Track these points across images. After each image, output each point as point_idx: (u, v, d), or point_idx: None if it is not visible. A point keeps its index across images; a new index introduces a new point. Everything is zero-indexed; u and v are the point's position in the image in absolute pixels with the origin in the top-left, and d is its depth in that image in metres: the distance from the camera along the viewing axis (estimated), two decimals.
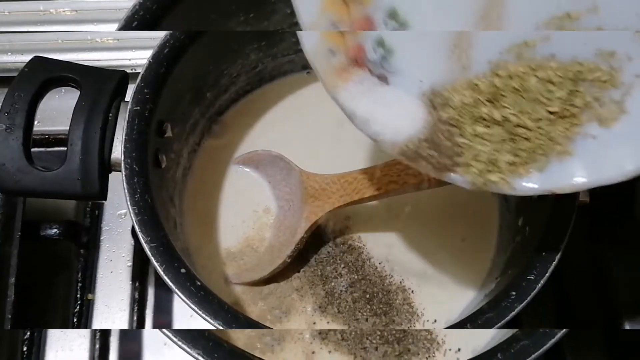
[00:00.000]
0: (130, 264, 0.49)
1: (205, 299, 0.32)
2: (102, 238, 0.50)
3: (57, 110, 0.51)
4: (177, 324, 0.49)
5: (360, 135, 0.50)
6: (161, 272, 0.33)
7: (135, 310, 0.48)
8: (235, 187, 0.48)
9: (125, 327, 0.47)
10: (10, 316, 0.43)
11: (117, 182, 0.51)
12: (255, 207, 0.47)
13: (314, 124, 0.50)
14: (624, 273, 0.48)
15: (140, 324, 0.48)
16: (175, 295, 0.49)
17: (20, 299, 0.45)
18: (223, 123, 0.50)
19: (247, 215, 0.47)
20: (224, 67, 0.47)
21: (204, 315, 0.32)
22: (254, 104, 0.51)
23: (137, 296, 0.48)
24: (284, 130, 0.50)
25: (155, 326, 0.48)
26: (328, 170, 0.45)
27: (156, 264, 0.33)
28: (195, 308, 0.32)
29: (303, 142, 0.49)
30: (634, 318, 0.47)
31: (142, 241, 0.34)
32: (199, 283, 0.33)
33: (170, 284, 0.33)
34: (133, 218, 0.34)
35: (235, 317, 0.32)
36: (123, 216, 0.51)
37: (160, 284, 0.50)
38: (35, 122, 0.53)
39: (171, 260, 0.33)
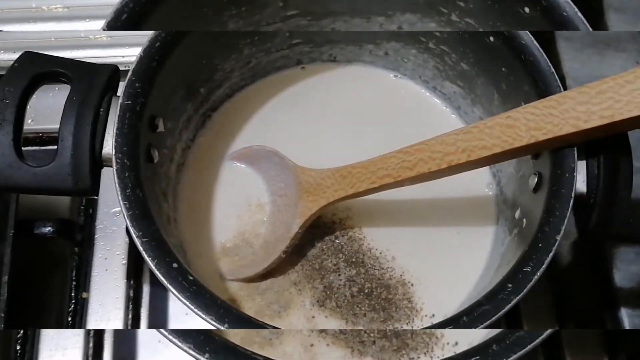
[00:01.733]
0: (125, 262, 0.48)
1: (197, 294, 0.32)
2: (96, 236, 0.50)
3: (51, 109, 0.50)
4: (173, 322, 0.49)
5: (355, 130, 0.51)
6: (153, 267, 0.33)
7: (130, 309, 0.48)
8: (229, 182, 0.48)
9: (120, 325, 0.47)
10: (3, 315, 0.43)
11: (111, 180, 0.51)
12: (250, 203, 0.47)
13: (308, 119, 0.50)
14: (622, 265, 0.48)
15: (136, 322, 0.48)
16: (171, 293, 0.50)
17: (14, 297, 0.44)
18: (217, 119, 0.49)
19: (242, 211, 0.46)
20: (217, 62, 0.46)
21: (196, 310, 0.31)
22: (249, 99, 0.51)
23: (132, 294, 0.48)
24: (278, 126, 0.50)
25: (151, 324, 0.48)
26: (323, 165, 0.44)
27: (148, 259, 0.33)
28: (187, 303, 0.32)
29: (298, 137, 0.49)
30: (633, 311, 0.47)
31: (134, 236, 0.33)
32: (191, 278, 0.33)
33: (162, 278, 0.32)
34: (124, 213, 0.34)
35: (228, 311, 0.32)
36: (117, 214, 0.51)
37: (155, 282, 0.50)
38: (29, 121, 0.53)
39: (163, 254, 0.33)
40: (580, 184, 0.37)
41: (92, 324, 0.47)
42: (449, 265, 0.44)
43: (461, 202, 0.47)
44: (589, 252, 0.50)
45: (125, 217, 0.34)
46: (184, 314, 0.49)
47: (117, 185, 0.35)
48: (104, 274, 0.49)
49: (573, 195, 0.36)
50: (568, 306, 0.49)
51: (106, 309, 0.47)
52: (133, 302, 0.48)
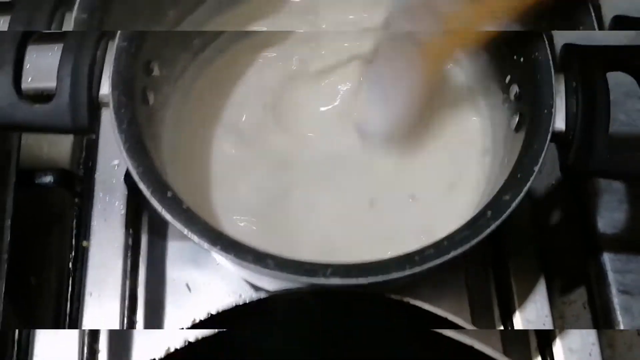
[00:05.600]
0: (123, 212, 0.50)
1: (191, 218, 0.34)
2: (96, 187, 0.51)
3: (50, 67, 0.51)
4: (170, 269, 0.51)
5: None
6: (148, 195, 0.34)
7: (129, 256, 0.49)
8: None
9: (119, 272, 0.48)
10: (7, 257, 0.44)
11: (110, 133, 0.52)
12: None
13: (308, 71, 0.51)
14: (605, 212, 0.50)
15: (134, 269, 0.49)
16: (169, 242, 0.51)
17: (16, 246, 0.46)
18: (212, 71, 0.50)
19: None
20: None
21: (190, 233, 0.33)
22: (245, 53, 0.51)
23: (130, 243, 0.50)
24: (273, 82, 0.51)
25: (149, 271, 0.50)
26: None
27: (143, 187, 0.34)
28: (182, 226, 0.33)
29: (298, 88, 0.50)
30: (615, 255, 0.48)
31: (131, 167, 0.35)
32: (185, 207, 0.34)
33: (157, 205, 0.34)
34: (121, 145, 0.35)
35: (219, 235, 0.33)
36: (116, 167, 0.52)
37: (153, 231, 0.52)
38: (29, 79, 0.54)
39: (158, 184, 0.34)
40: (560, 122, 0.39)
41: (93, 271, 0.49)
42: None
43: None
44: (574, 201, 0.52)
45: (122, 149, 0.35)
46: (181, 262, 0.51)
47: (113, 119, 0.36)
48: (103, 224, 0.50)
49: (551, 129, 0.37)
50: (553, 252, 0.51)
51: (106, 257, 0.49)
52: (132, 250, 0.50)
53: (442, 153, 0.47)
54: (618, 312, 0.47)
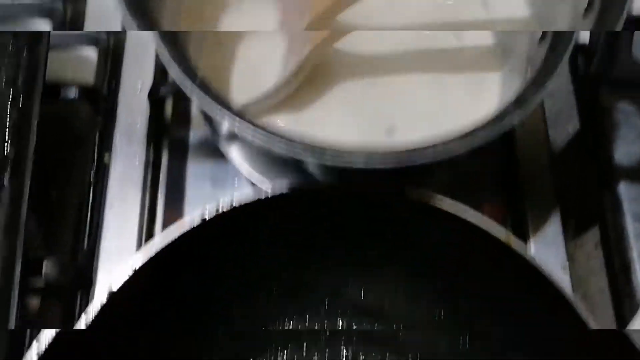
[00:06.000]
0: (145, 129, 0.51)
1: (218, 99, 0.34)
2: (119, 106, 0.52)
3: None
4: (189, 189, 0.51)
5: None
6: (177, 73, 0.35)
7: (150, 172, 0.50)
8: None
9: (140, 186, 0.49)
10: (32, 157, 0.45)
11: (133, 59, 0.53)
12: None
13: None
14: (622, 144, 0.50)
15: (154, 185, 0.50)
16: (189, 162, 0.52)
17: (37, 159, 0.46)
18: None
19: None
20: None
21: (217, 109, 0.34)
22: None
23: (151, 159, 0.51)
24: None
25: (169, 184, 0.51)
26: None
27: (174, 67, 0.35)
28: (211, 100, 0.34)
29: None
30: (631, 184, 0.49)
31: (163, 48, 0.35)
32: (214, 90, 0.35)
33: (186, 85, 0.34)
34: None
35: (243, 115, 0.34)
36: (139, 90, 0.53)
37: (173, 150, 0.53)
38: None
39: (187, 67, 0.35)
40: (584, 35, 0.39)
41: (114, 185, 0.50)
42: None
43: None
44: (591, 136, 0.52)
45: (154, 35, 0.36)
46: (201, 181, 0.52)
47: None
48: (125, 140, 0.51)
49: (575, 35, 0.37)
50: (568, 185, 0.51)
51: (127, 171, 0.50)
52: (152, 167, 0.51)
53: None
54: (631, 239, 0.47)
